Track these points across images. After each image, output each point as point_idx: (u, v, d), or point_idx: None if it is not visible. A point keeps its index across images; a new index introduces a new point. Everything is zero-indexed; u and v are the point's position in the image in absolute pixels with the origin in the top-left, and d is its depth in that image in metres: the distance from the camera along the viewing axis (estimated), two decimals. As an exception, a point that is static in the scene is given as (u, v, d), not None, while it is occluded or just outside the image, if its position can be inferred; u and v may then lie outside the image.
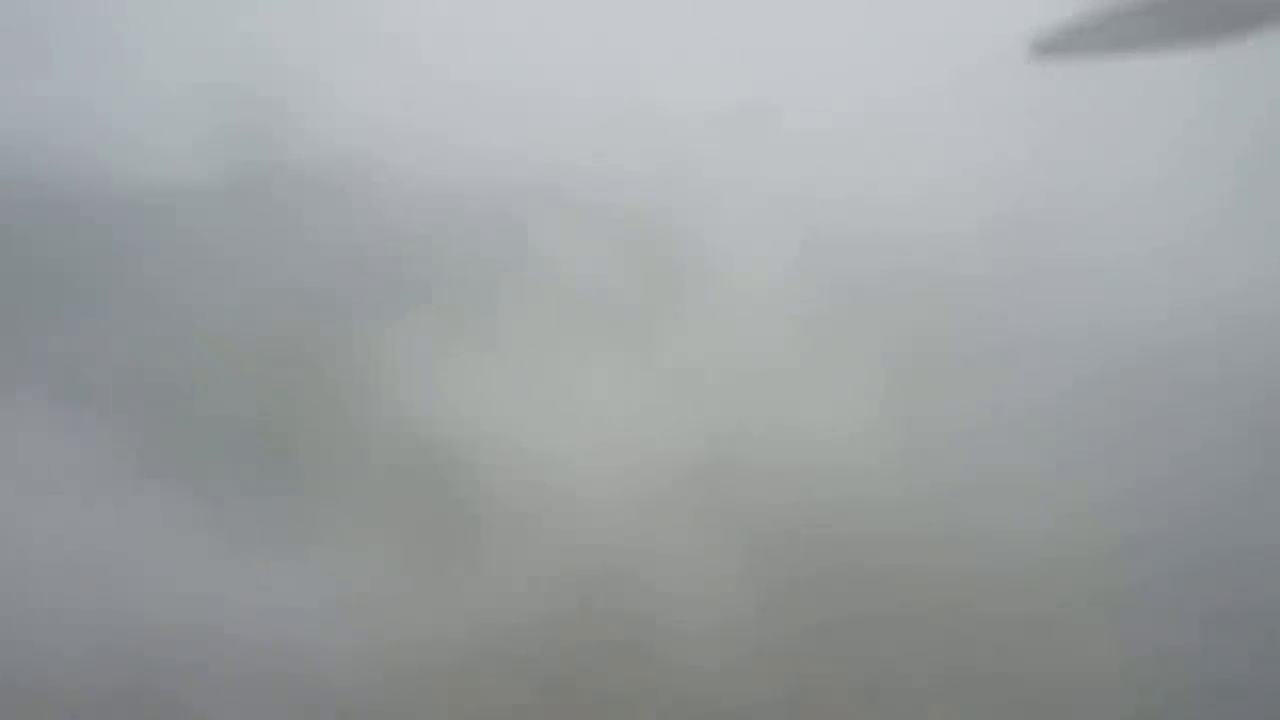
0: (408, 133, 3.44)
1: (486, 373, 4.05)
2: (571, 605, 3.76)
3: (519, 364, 3.86)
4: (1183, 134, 3.60)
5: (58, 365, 3.06)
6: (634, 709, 3.16)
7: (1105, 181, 3.62)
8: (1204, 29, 2.96)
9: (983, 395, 3.46)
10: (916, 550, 3.18)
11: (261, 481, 3.91)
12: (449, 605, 3.96)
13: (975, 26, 3.33)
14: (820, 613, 3.17)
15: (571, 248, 3.62)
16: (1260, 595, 3.08)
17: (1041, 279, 3.54)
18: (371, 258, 3.60)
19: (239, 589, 3.69)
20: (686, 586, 3.35)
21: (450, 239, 3.72)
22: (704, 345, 3.51)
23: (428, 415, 3.96)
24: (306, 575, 3.91)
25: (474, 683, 3.27)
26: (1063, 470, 3.34)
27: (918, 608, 3.11)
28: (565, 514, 3.75)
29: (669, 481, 3.52)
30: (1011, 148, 3.57)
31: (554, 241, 3.67)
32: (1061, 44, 3.11)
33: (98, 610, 3.08)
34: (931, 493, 3.28)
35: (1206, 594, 3.18)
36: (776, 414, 3.36)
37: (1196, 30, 2.97)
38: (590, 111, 3.41)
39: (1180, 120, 3.61)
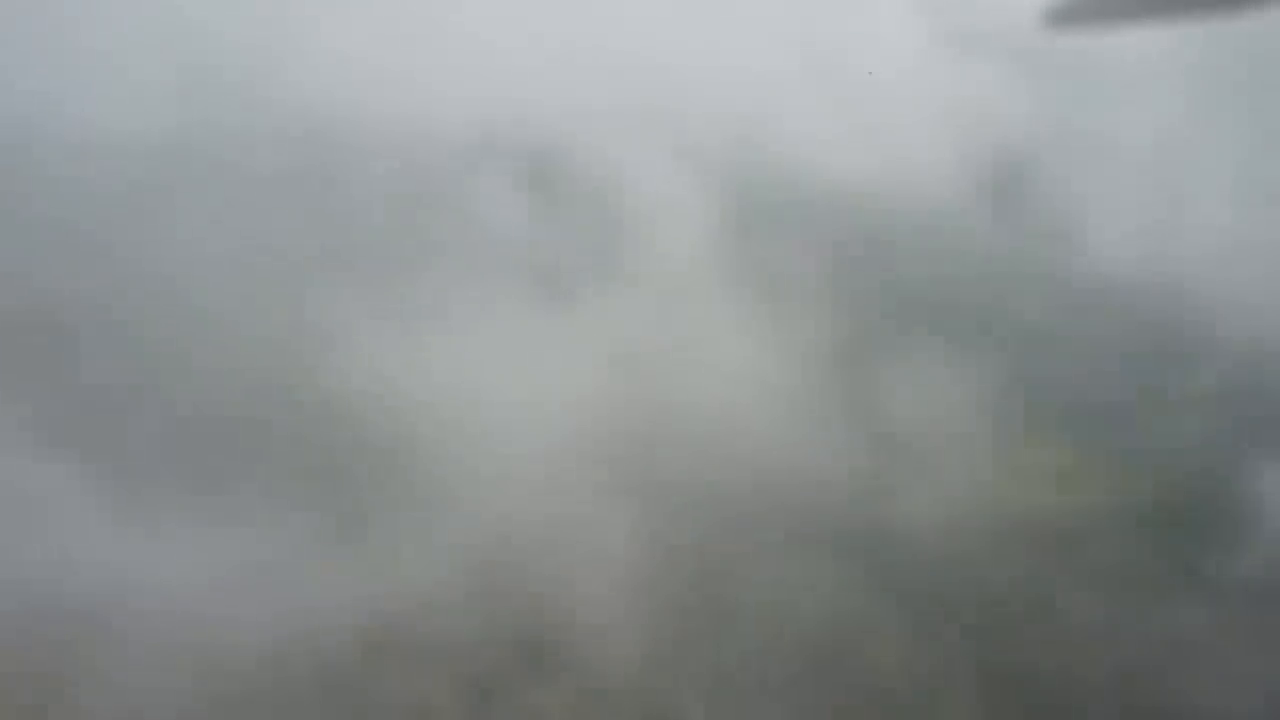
0: (368, 87, 3.54)
1: (412, 338, 4.09)
2: (485, 571, 3.76)
3: (446, 328, 3.92)
4: (1173, 101, 3.69)
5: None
6: (543, 670, 3.16)
7: (1081, 149, 3.70)
8: (1206, 2, 3.10)
9: (922, 363, 3.49)
10: (836, 519, 3.20)
11: (172, 450, 3.91)
12: (361, 574, 3.96)
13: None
14: (724, 570, 3.19)
15: (508, 207, 3.65)
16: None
17: (984, 233, 3.59)
18: (314, 215, 3.66)
19: (145, 560, 3.67)
20: (599, 552, 3.35)
21: (395, 197, 3.81)
22: (631, 310, 3.57)
23: (348, 382, 3.99)
24: (216, 545, 3.90)
25: (385, 652, 3.25)
26: (994, 441, 3.36)
27: (831, 574, 3.13)
28: (487, 478, 3.79)
29: (591, 446, 3.57)
30: (976, 113, 3.61)
31: (491, 198, 3.75)
32: (1073, 13, 3.28)
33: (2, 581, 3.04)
34: (856, 464, 3.29)
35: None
36: (700, 380, 3.40)
37: (1199, 3, 3.11)
38: (547, 60, 3.46)
39: (1173, 87, 3.71)
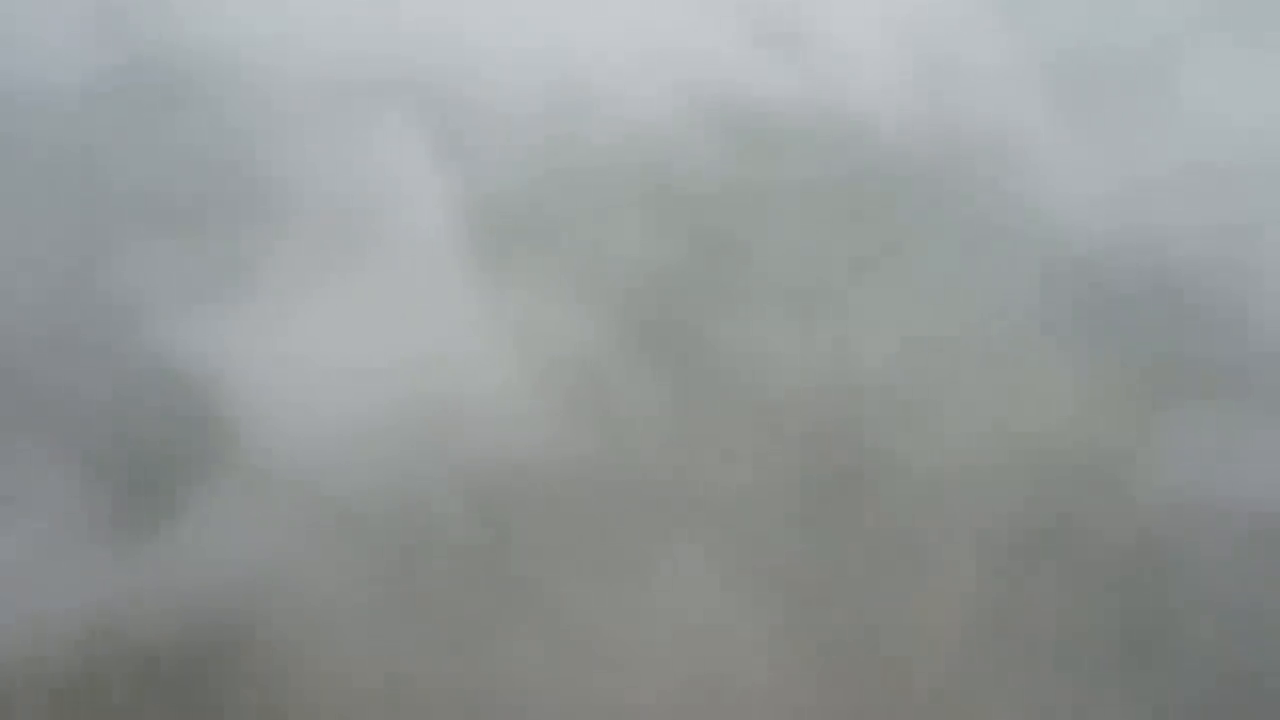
0: (268, 34, 3.37)
1: (218, 300, 3.93)
2: (282, 553, 3.61)
3: (265, 289, 3.74)
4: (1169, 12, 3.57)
5: None
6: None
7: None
8: None
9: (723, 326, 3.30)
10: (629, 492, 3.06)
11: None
12: (151, 562, 3.84)
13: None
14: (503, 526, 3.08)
15: (347, 162, 3.48)
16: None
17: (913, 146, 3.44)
18: (141, 151, 3.50)
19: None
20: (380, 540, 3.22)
21: (233, 139, 3.67)
22: (435, 274, 3.41)
23: (151, 346, 3.86)
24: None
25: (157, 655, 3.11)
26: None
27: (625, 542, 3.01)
28: (292, 451, 3.61)
29: (381, 414, 3.42)
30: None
31: (316, 149, 3.63)
32: None
33: None
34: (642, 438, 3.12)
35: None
36: (480, 346, 3.25)
37: None
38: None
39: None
